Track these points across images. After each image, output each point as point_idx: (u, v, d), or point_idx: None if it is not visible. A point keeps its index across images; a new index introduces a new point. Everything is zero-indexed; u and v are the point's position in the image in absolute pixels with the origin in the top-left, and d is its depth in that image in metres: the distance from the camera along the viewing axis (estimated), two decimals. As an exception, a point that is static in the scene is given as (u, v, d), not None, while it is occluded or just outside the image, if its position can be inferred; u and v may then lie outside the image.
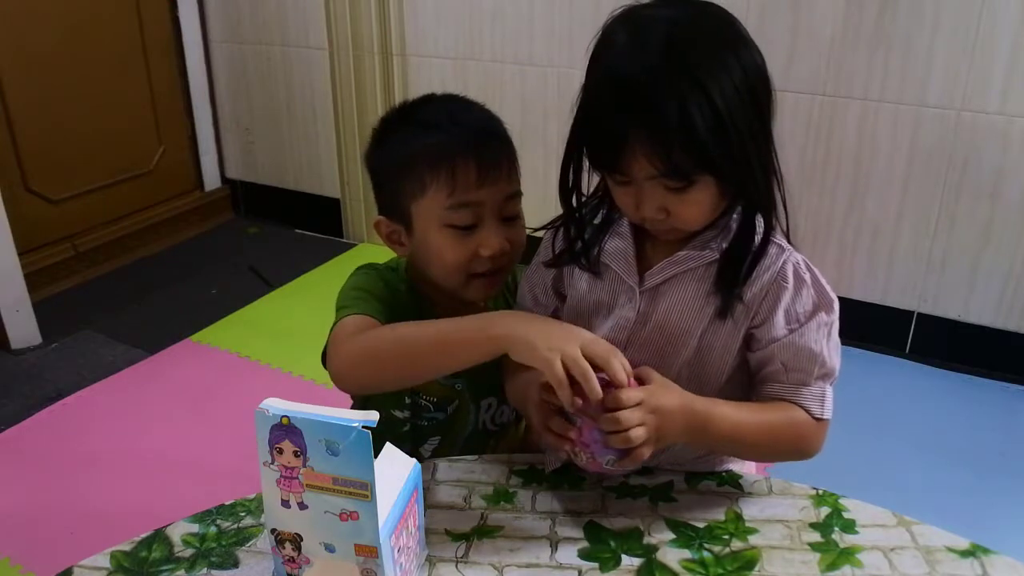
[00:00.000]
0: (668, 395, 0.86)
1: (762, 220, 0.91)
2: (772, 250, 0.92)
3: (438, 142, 1.01)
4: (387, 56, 2.81)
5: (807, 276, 0.93)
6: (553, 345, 0.82)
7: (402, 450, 0.94)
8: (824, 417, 0.94)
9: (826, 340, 0.94)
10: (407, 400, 1.11)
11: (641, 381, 0.86)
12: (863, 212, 2.30)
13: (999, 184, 2.13)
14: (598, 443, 0.84)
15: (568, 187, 0.95)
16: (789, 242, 0.95)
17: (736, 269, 0.91)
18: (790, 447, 0.95)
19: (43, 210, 2.71)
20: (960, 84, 2.09)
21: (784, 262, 0.92)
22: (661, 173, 0.84)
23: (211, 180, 3.30)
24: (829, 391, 0.95)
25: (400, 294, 1.08)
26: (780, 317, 0.92)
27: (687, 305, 0.94)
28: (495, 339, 0.87)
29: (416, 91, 2.78)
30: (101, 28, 2.79)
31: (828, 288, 0.94)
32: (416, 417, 1.12)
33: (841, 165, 2.28)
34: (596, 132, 0.87)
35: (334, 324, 1.01)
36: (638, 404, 0.83)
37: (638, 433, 0.82)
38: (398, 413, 1.11)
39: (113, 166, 2.92)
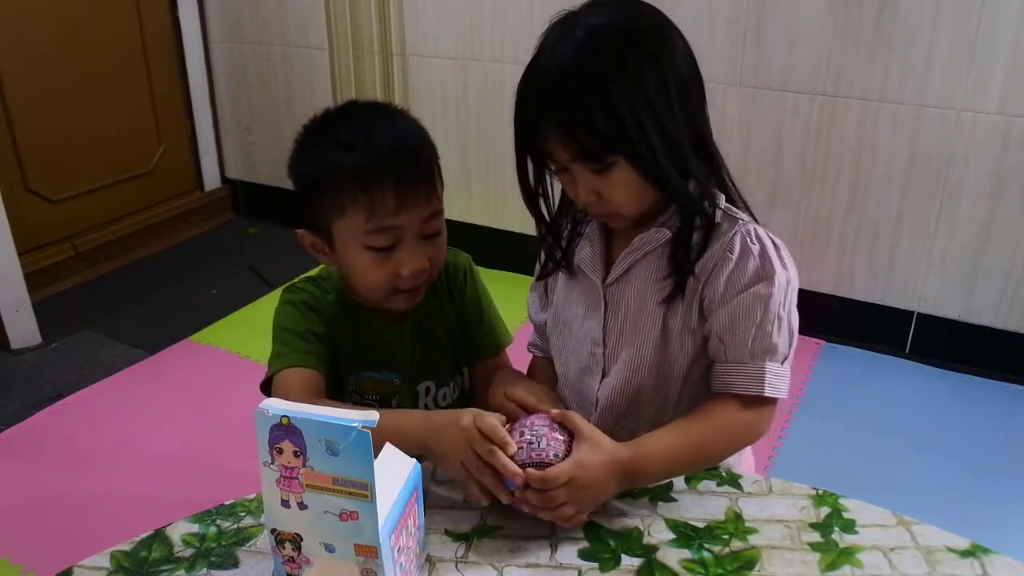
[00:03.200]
0: (593, 457, 0.85)
1: (718, 197, 0.96)
2: (725, 223, 0.95)
3: (354, 165, 0.99)
4: (387, 56, 2.81)
5: (755, 247, 0.93)
6: (449, 454, 0.88)
7: None
8: (767, 395, 0.92)
9: (762, 312, 0.92)
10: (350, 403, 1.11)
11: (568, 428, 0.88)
12: (863, 212, 2.30)
13: (999, 184, 2.13)
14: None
15: (530, 193, 0.99)
16: (750, 214, 0.98)
17: (686, 246, 0.94)
18: (731, 448, 0.96)
19: (43, 210, 2.71)
20: (960, 84, 2.09)
21: (735, 233, 0.94)
22: (573, 156, 0.91)
23: (211, 180, 3.30)
24: (773, 368, 0.92)
25: (329, 306, 1.10)
26: (721, 286, 0.93)
27: (647, 287, 0.97)
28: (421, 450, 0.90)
29: (416, 91, 2.80)
30: (101, 28, 2.79)
31: (777, 261, 0.93)
32: None
33: (841, 165, 2.28)
34: (519, 122, 0.94)
35: (271, 365, 1.05)
36: (566, 482, 0.84)
37: (566, 512, 0.85)
38: None
39: (113, 166, 2.92)
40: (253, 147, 3.26)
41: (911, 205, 2.24)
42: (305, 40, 2.95)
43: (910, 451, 1.99)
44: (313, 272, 1.15)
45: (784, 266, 0.93)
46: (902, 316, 2.34)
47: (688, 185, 0.93)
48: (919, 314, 2.33)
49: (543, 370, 1.14)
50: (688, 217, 0.94)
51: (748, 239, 0.93)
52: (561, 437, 0.87)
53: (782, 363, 0.93)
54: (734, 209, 0.97)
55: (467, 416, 0.87)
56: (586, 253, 1.03)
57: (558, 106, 0.89)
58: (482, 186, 2.79)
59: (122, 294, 2.76)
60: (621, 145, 0.89)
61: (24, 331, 2.44)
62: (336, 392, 1.09)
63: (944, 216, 2.22)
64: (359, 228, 1.00)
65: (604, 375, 1.02)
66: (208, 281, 2.85)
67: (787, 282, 0.93)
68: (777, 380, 0.93)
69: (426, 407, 1.16)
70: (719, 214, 0.96)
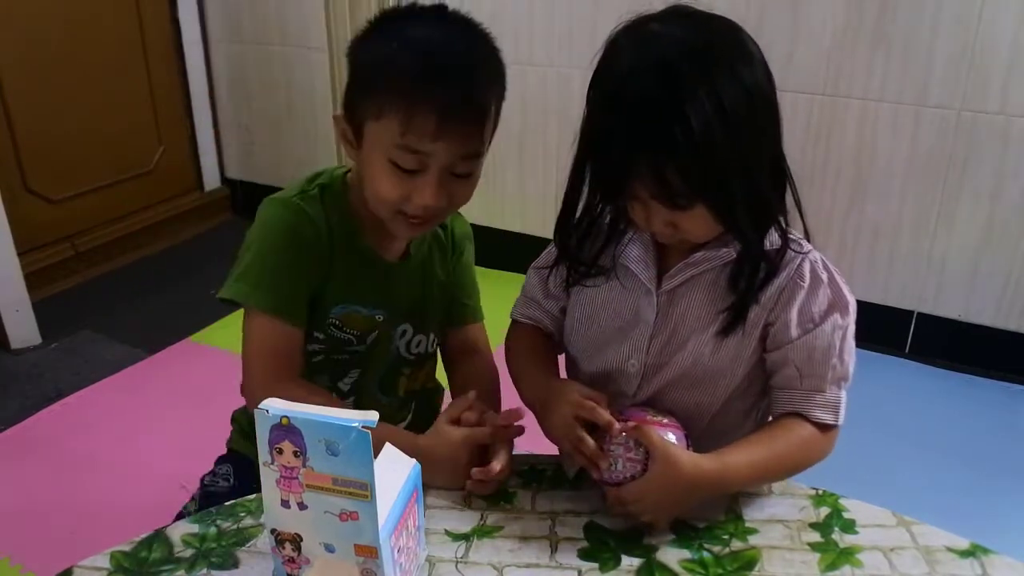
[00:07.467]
0: (665, 477, 0.86)
1: (780, 221, 0.92)
2: (790, 249, 0.93)
3: (410, 72, 0.93)
4: (387, 56, 2.81)
5: (824, 275, 0.93)
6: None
7: (320, 384, 0.96)
8: (838, 424, 0.94)
9: (840, 342, 0.93)
10: (320, 336, 1.06)
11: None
12: (863, 212, 2.30)
13: (999, 184, 2.13)
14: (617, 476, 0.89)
15: (569, 222, 0.97)
16: (808, 240, 0.95)
17: (751, 273, 0.91)
18: (803, 466, 0.95)
19: (43, 210, 2.71)
20: (960, 84, 2.09)
21: (801, 260, 0.93)
22: (655, 195, 0.86)
23: (211, 180, 3.30)
24: (843, 396, 0.95)
25: (330, 230, 1.02)
26: (794, 316, 0.92)
27: (703, 307, 0.94)
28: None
29: (416, 91, 2.79)
30: (101, 28, 2.79)
31: (846, 290, 0.93)
32: (334, 351, 1.08)
33: (841, 165, 2.28)
34: (601, 157, 0.89)
35: (249, 290, 0.99)
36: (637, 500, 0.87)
37: (645, 520, 0.88)
38: (311, 346, 1.07)
39: (113, 166, 2.92)
40: (253, 147, 3.25)
41: (911, 205, 2.24)
42: (305, 40, 2.95)
43: (910, 451, 1.99)
44: (314, 182, 1.06)
45: (850, 293, 0.93)
46: (902, 316, 2.34)
47: (765, 231, 0.91)
48: (919, 314, 2.33)
49: (539, 339, 1.08)
50: (763, 238, 0.92)
51: (816, 267, 0.93)
52: (637, 457, 0.88)
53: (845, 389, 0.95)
54: (793, 232, 0.94)
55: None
56: (636, 254, 0.97)
57: (650, 145, 0.83)
58: (482, 186, 2.78)
59: (122, 294, 2.76)
60: (707, 193, 0.85)
61: (24, 331, 2.44)
62: (310, 324, 1.04)
63: (944, 216, 2.22)
64: (391, 138, 0.94)
65: (643, 379, 0.98)
66: (208, 281, 2.83)
67: (855, 311, 0.94)
68: (845, 408, 0.95)
69: (398, 351, 1.13)
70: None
